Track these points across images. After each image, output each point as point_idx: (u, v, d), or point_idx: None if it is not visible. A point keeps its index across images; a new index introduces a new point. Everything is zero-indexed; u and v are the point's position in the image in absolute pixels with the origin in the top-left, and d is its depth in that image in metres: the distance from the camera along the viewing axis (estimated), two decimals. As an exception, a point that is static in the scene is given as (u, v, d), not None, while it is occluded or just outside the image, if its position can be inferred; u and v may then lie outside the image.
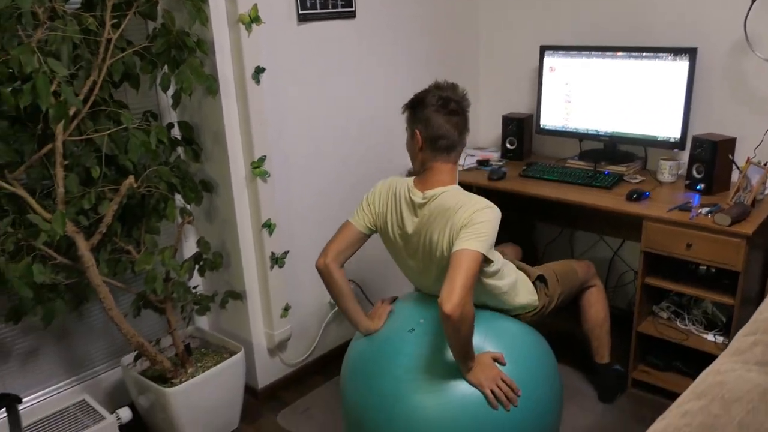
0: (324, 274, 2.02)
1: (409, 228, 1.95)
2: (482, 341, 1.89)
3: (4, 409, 1.57)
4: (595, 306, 2.46)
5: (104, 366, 2.50)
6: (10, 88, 1.73)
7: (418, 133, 1.93)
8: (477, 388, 1.80)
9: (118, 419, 2.26)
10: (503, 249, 2.38)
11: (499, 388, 1.79)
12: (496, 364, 1.84)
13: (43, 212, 1.88)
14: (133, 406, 2.42)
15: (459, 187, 1.94)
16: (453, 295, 1.65)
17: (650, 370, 2.59)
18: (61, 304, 2.09)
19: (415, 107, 1.96)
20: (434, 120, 1.89)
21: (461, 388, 1.82)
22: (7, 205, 1.92)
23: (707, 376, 0.97)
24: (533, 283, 2.17)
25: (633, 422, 2.40)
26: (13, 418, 1.54)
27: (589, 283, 2.46)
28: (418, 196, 1.92)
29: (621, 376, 2.56)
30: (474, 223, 1.78)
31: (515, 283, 2.06)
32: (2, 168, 1.85)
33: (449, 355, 1.82)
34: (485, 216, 1.80)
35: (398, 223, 1.99)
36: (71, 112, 1.80)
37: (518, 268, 2.18)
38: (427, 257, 1.94)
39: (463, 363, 1.79)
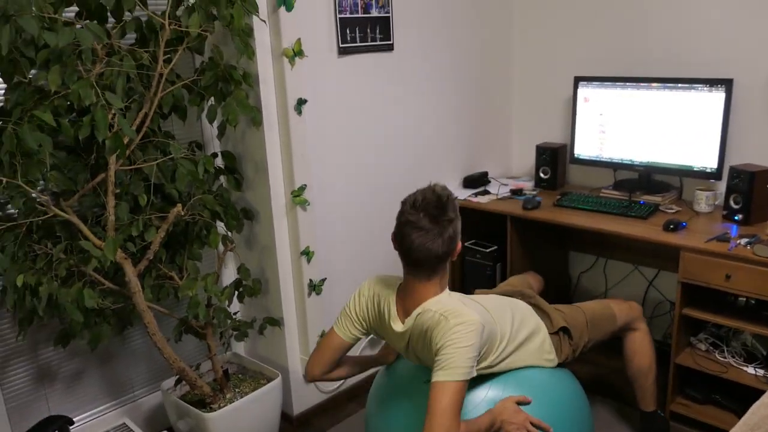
0: (319, 382, 1.98)
1: (400, 346, 1.85)
2: (501, 389, 1.84)
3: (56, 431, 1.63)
4: (639, 353, 2.30)
5: (144, 390, 2.55)
6: (67, 120, 1.81)
7: (393, 242, 1.74)
8: None
9: (158, 443, 2.31)
10: (522, 291, 2.21)
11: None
12: (521, 407, 1.78)
13: (94, 239, 1.94)
14: (171, 430, 2.47)
15: (439, 299, 1.73)
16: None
17: (689, 403, 2.55)
18: (107, 329, 2.15)
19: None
20: (405, 229, 1.67)
21: None
22: (60, 232, 2.00)
23: (759, 408, 0.98)
24: (556, 332, 2.05)
25: (672, 456, 2.37)
26: (65, 439, 1.59)
27: (633, 325, 2.29)
28: (398, 326, 1.77)
29: (665, 423, 2.45)
30: (446, 346, 1.61)
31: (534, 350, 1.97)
32: (58, 196, 1.93)
33: (475, 393, 1.79)
34: (456, 337, 1.61)
35: (389, 338, 1.87)
36: (125, 141, 1.88)
37: (546, 311, 2.09)
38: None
39: None
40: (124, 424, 2.39)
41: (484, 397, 1.82)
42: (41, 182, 1.88)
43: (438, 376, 1.59)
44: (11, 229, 1.89)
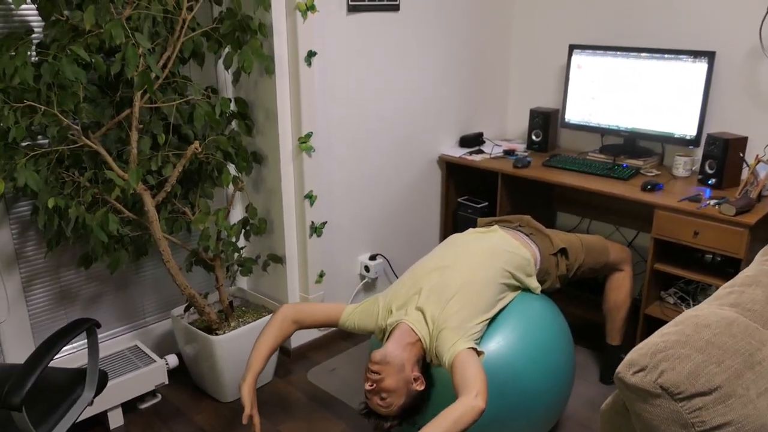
0: (277, 318, 2.13)
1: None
2: (507, 312, 2.09)
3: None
4: (619, 289, 2.56)
5: (154, 317, 2.76)
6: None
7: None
8: None
9: (167, 364, 2.53)
10: (521, 217, 2.51)
11: None
12: None
13: (118, 170, 2.13)
14: (179, 354, 2.68)
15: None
16: (479, 387, 1.73)
17: (656, 351, 2.78)
18: (125, 255, 2.35)
19: None
20: None
21: (487, 349, 2.01)
22: (87, 162, 2.19)
23: (686, 313, 1.17)
24: (554, 255, 2.34)
25: (636, 396, 2.59)
26: (93, 342, 1.79)
27: (620, 266, 2.55)
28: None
29: None
30: (445, 334, 1.90)
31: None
32: (86, 129, 2.11)
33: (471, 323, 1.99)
34: (447, 330, 1.91)
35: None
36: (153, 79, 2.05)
37: (547, 234, 2.37)
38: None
39: None
40: (136, 346, 2.61)
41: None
42: (72, 115, 2.06)
43: (459, 347, 1.88)
44: (45, 155, 2.08)
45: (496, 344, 2.02)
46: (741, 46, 2.70)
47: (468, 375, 1.77)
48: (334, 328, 3.00)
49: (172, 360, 2.57)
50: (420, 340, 1.95)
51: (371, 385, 1.90)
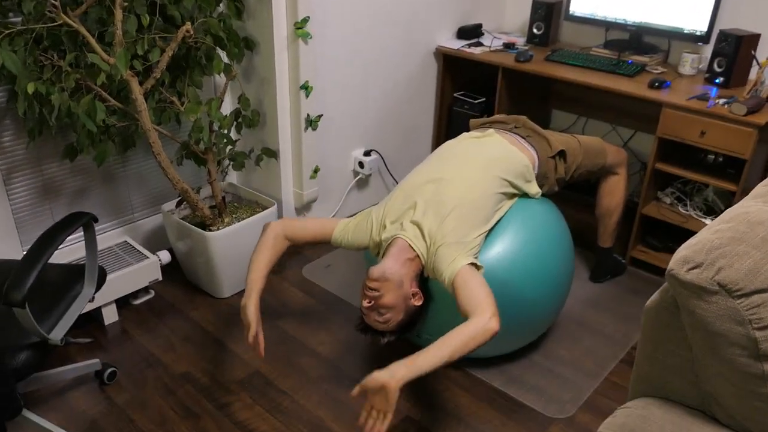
0: (269, 236, 2.06)
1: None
2: (509, 218, 2.05)
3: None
4: (612, 194, 2.51)
5: (143, 213, 2.66)
6: None
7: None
8: (369, 391, 1.61)
9: (159, 260, 2.46)
10: (517, 117, 2.38)
11: (374, 416, 1.62)
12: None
13: (102, 53, 1.95)
14: (170, 250, 2.61)
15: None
16: (493, 308, 1.70)
17: (647, 251, 2.81)
18: (111, 146, 2.21)
19: None
20: None
21: (489, 255, 1.97)
22: (67, 44, 2.00)
23: (733, 209, 1.14)
24: (552, 157, 2.26)
25: (629, 294, 2.64)
26: (90, 236, 1.69)
27: (615, 169, 2.48)
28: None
29: (617, 264, 2.73)
30: (443, 250, 1.84)
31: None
32: (64, 6, 1.91)
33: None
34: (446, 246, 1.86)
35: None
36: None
37: (544, 135, 2.28)
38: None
39: (421, 370, 1.63)
40: (126, 241, 2.53)
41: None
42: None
43: (460, 262, 1.84)
44: (20, 34, 1.88)
45: (498, 251, 1.98)
46: (764, -66, 2.55)
47: (476, 295, 1.73)
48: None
49: (165, 256, 2.50)
50: (418, 255, 1.91)
51: (369, 302, 1.87)
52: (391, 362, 1.61)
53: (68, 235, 1.53)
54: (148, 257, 2.43)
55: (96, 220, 1.68)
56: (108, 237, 2.54)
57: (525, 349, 2.29)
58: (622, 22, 2.90)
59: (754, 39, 2.55)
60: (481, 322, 1.67)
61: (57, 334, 1.57)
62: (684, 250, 1.04)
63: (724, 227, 1.05)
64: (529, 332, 2.16)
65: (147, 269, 2.40)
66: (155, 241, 2.71)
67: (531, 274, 2.01)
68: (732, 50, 2.54)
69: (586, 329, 2.42)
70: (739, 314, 0.98)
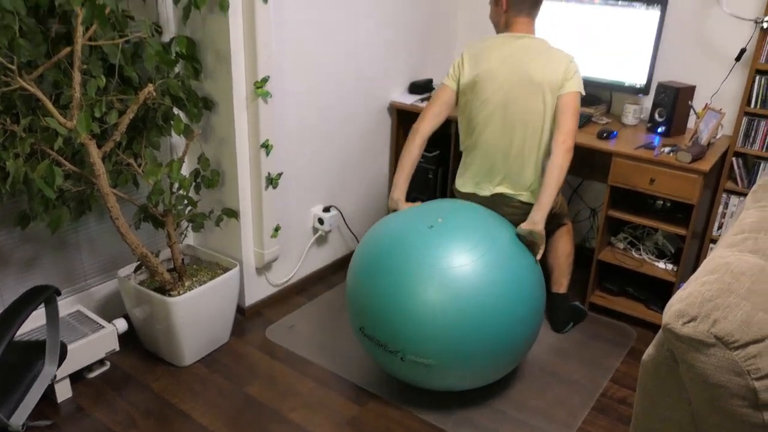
0: (416, 142, 2.37)
1: (498, 63, 2.29)
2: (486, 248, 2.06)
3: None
4: (564, 239, 2.70)
5: (96, 279, 2.54)
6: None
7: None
8: (534, 241, 2.16)
9: (116, 328, 2.34)
10: None
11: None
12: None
13: (59, 116, 1.89)
14: (126, 317, 2.50)
15: (542, 38, 2.31)
16: (572, 133, 2.19)
17: (605, 295, 2.88)
18: (66, 212, 2.12)
19: None
20: None
21: (470, 284, 1.97)
22: (20, 108, 1.92)
23: (713, 260, 1.18)
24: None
25: (592, 340, 2.68)
26: (52, 310, 1.60)
27: (564, 219, 2.71)
28: (511, 36, 2.31)
29: (577, 310, 2.77)
30: (571, 73, 2.23)
31: None
32: (20, 68, 1.85)
33: (460, 256, 1.99)
34: (576, 67, 2.25)
35: (487, 66, 2.29)
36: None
37: None
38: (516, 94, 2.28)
39: (548, 206, 2.19)
40: (79, 311, 2.40)
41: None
42: (5, 52, 1.79)
43: (573, 87, 2.23)
44: (-28, 100, 1.80)
45: (469, 280, 1.99)
46: (693, -5, 2.75)
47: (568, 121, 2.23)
48: (291, 282, 2.92)
49: (121, 324, 2.38)
50: None
51: None
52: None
53: (31, 312, 1.44)
54: (103, 326, 2.31)
55: (59, 293, 1.59)
56: (60, 306, 2.39)
57: (495, 399, 2.28)
58: (567, 76, 3.03)
59: (689, 90, 2.71)
60: (562, 152, 2.19)
61: (18, 420, 1.46)
62: (677, 303, 1.07)
63: (711, 279, 1.09)
64: (496, 367, 2.12)
65: (103, 339, 2.28)
66: (110, 308, 2.58)
67: (501, 304, 2.01)
68: (671, 101, 2.69)
69: (554, 377, 2.43)
70: (737, 365, 1.01)
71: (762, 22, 2.51)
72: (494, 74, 2.27)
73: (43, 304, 1.58)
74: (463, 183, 2.49)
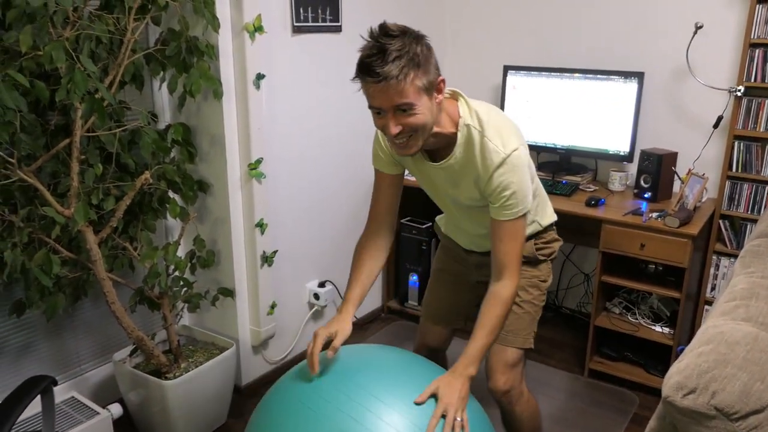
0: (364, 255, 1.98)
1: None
2: None
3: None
4: (526, 411, 1.97)
5: (91, 363, 2.51)
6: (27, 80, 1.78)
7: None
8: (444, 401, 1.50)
9: (111, 414, 2.30)
10: None
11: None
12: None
13: (57, 206, 1.92)
14: (121, 402, 2.45)
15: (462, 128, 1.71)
16: (515, 276, 1.65)
17: (604, 361, 2.86)
18: (62, 299, 2.12)
19: None
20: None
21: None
22: (19, 198, 1.96)
23: (707, 329, 1.20)
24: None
25: (593, 407, 2.65)
26: (48, 401, 1.58)
27: (524, 344, 1.93)
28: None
29: None
30: (503, 189, 1.63)
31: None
32: (19, 160, 1.89)
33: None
34: (511, 176, 1.64)
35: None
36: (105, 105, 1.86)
37: None
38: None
39: (479, 358, 1.62)
40: (73, 397, 2.35)
41: None
42: (6, 146, 1.84)
43: (508, 214, 1.65)
44: (-29, 192, 1.84)
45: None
46: (669, 67, 2.87)
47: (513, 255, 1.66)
48: (287, 359, 2.89)
49: (116, 410, 2.33)
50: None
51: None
52: None
53: (28, 404, 1.43)
54: (98, 413, 2.26)
55: (55, 383, 1.58)
56: (55, 393, 2.36)
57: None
58: (552, 146, 3.12)
59: (672, 157, 2.79)
60: (503, 295, 1.65)
61: None
62: (675, 375, 1.08)
63: (706, 349, 1.11)
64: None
65: (98, 427, 2.23)
66: (104, 393, 2.54)
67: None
68: (655, 168, 2.77)
69: (559, 449, 2.40)
70: (740, 437, 1.01)
71: (735, 90, 2.62)
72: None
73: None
74: (443, 224, 2.15)
